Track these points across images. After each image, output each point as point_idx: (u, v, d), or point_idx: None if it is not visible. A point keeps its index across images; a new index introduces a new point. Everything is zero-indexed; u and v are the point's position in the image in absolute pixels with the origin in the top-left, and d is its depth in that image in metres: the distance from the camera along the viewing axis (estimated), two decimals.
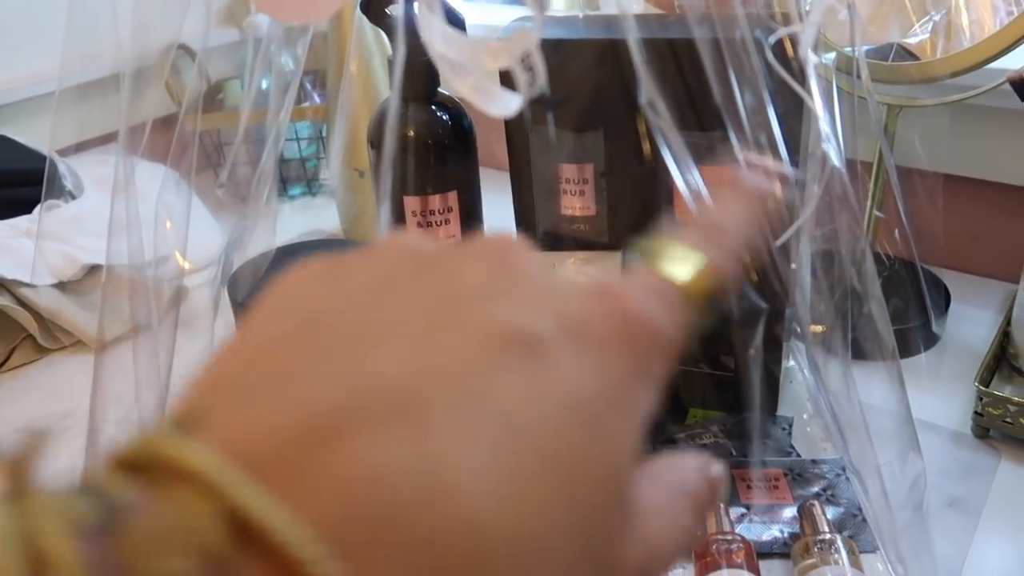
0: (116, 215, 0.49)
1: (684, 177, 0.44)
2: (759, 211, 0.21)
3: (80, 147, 0.94)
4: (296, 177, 1.02)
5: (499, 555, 0.13)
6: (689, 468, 0.20)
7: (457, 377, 0.15)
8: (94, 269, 0.79)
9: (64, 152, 0.96)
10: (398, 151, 0.55)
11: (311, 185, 1.01)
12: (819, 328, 0.37)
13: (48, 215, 0.84)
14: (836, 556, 0.43)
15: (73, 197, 0.89)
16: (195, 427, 0.14)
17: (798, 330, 0.52)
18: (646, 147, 0.48)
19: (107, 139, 0.54)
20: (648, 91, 0.33)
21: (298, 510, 0.12)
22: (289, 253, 0.62)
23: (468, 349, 0.15)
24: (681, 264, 0.19)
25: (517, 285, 0.17)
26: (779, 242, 0.35)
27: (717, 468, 0.20)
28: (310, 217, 0.95)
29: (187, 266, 0.56)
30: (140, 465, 0.13)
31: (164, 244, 0.49)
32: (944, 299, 0.69)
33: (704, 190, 0.36)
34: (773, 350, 0.48)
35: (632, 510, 0.17)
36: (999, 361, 0.61)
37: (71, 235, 0.84)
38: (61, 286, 0.79)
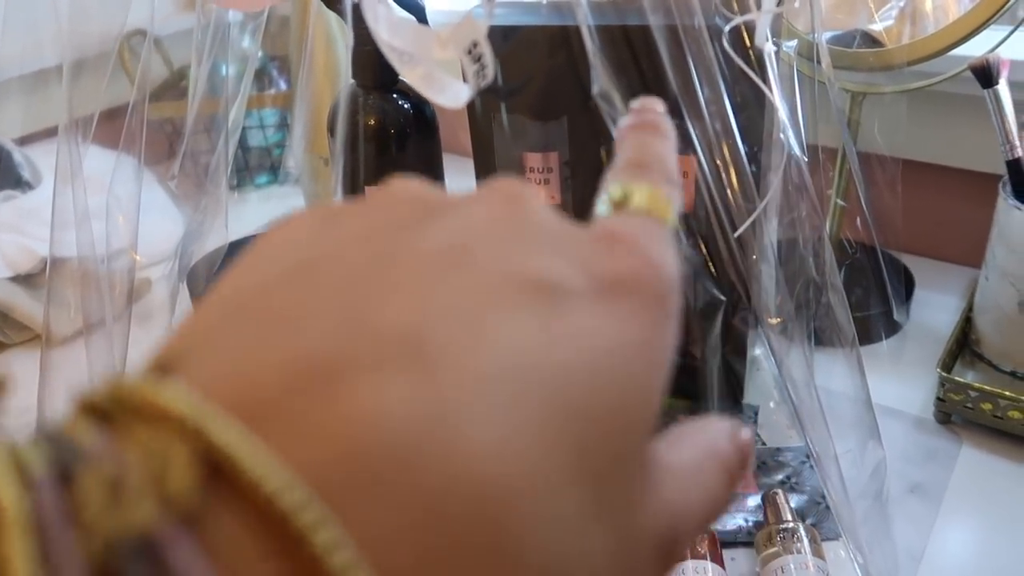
0: (63, 206, 0.47)
1: None
2: (669, 139, 0.21)
3: (36, 137, 0.92)
4: (262, 166, 1.00)
5: (506, 511, 0.12)
6: (718, 431, 0.18)
7: (468, 319, 0.13)
8: (61, 261, 0.77)
9: (18, 142, 0.93)
10: (359, 140, 0.53)
11: (277, 174, 1.00)
12: (775, 320, 0.37)
13: (3, 206, 0.82)
14: (798, 545, 0.44)
15: (31, 187, 0.87)
16: (172, 370, 0.12)
17: (749, 320, 0.52)
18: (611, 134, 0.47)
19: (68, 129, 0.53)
20: (602, 81, 0.32)
21: (283, 453, 0.11)
22: (244, 246, 0.61)
23: (482, 290, 0.14)
24: (654, 201, 0.18)
25: (531, 230, 0.16)
26: (737, 232, 0.34)
27: (746, 432, 0.19)
28: (276, 206, 0.94)
29: (139, 259, 0.55)
30: (109, 409, 0.12)
31: (116, 237, 0.47)
32: (908, 285, 0.69)
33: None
34: (734, 340, 0.48)
35: (654, 469, 0.15)
36: (961, 347, 0.61)
37: (28, 226, 0.82)
38: (18, 279, 0.77)
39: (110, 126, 0.49)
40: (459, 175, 0.60)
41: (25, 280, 0.77)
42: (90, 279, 0.47)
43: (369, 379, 0.12)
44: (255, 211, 0.92)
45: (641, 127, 0.21)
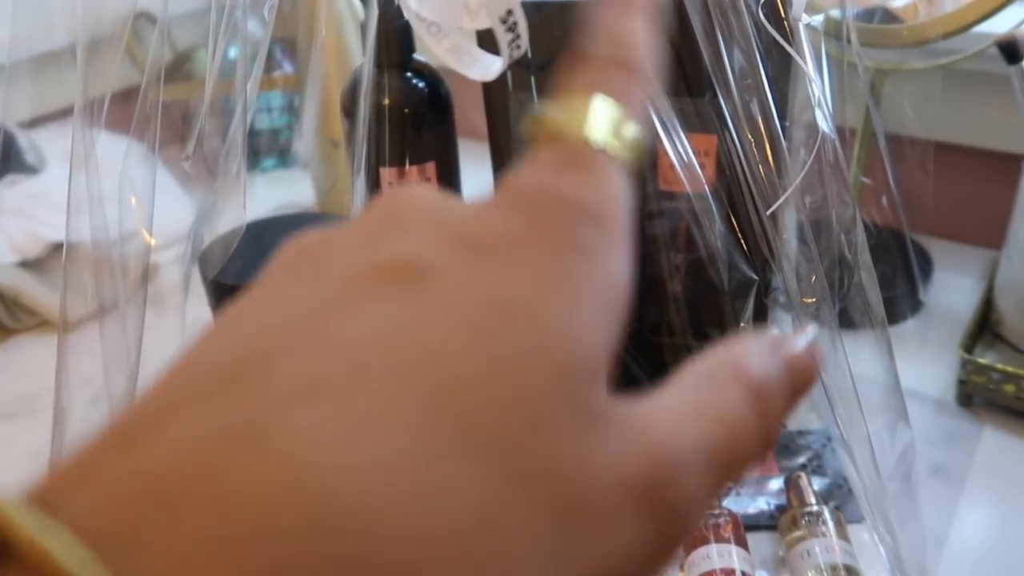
0: (76, 190, 0.46)
1: (672, 145, 0.43)
2: (646, 12, 0.18)
3: (43, 120, 0.90)
4: (269, 149, 0.99)
5: (353, 517, 0.11)
6: (745, 347, 0.16)
7: (303, 324, 0.13)
8: (59, 246, 0.77)
9: (26, 125, 0.92)
10: (373, 120, 0.53)
11: (284, 157, 0.99)
12: (810, 300, 0.36)
13: (8, 191, 0.81)
14: (823, 528, 0.43)
15: (35, 172, 0.86)
16: (59, 503, 0.11)
17: (781, 300, 0.51)
18: None
19: (71, 112, 0.52)
20: None
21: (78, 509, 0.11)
22: (260, 228, 0.60)
23: (325, 293, 0.13)
24: (589, 117, 0.15)
25: (405, 223, 0.15)
26: (770, 211, 0.34)
27: (803, 343, 0.16)
28: (284, 190, 0.92)
29: (153, 242, 0.54)
30: None
31: (129, 220, 0.46)
32: (927, 267, 0.68)
33: (694, 159, 0.35)
34: (763, 323, 0.48)
35: (611, 415, 0.13)
36: (982, 328, 0.60)
37: (34, 211, 0.81)
38: (24, 264, 0.76)
39: (116, 110, 0.48)
40: (474, 160, 0.60)
41: (32, 265, 0.77)
42: (103, 263, 0.46)
43: (184, 413, 0.12)
44: (262, 195, 0.91)
45: (609, 6, 0.18)
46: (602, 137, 0.15)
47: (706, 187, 0.40)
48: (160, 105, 0.47)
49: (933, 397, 0.58)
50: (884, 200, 0.47)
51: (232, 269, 0.54)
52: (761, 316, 0.45)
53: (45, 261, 0.78)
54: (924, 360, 0.61)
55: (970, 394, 0.56)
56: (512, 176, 0.15)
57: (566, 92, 0.16)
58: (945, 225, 0.74)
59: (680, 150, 0.42)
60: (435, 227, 0.14)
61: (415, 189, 0.16)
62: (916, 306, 0.65)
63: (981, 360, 0.54)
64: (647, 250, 0.54)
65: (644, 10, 0.18)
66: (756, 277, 0.38)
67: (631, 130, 0.16)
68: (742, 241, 0.39)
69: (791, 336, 0.16)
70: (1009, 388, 0.54)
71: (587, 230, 0.14)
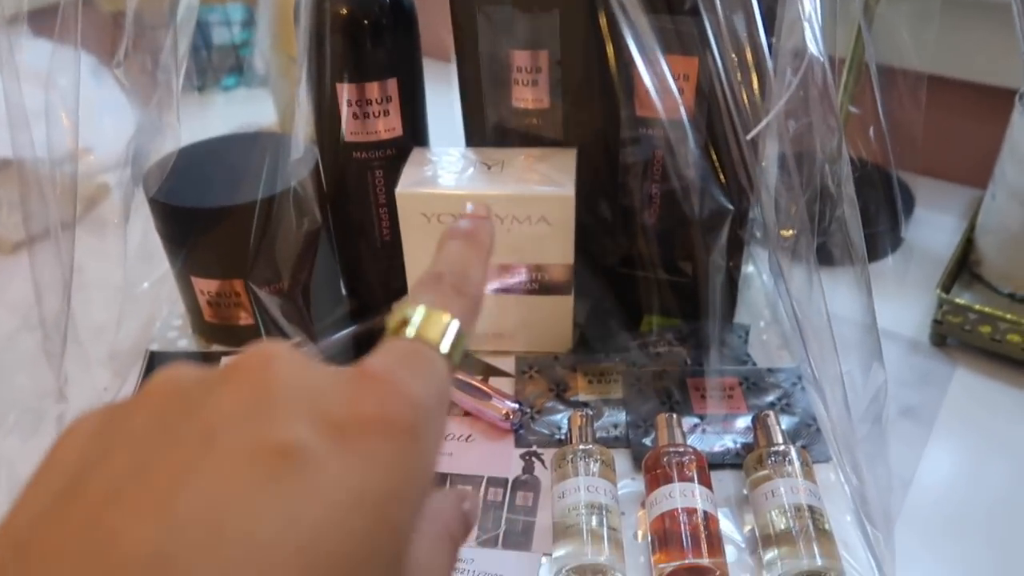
0: (11, 104, 0.43)
1: (649, 68, 0.40)
2: (484, 249, 0.24)
3: None
4: (229, 66, 0.93)
5: None
6: (448, 511, 0.22)
7: (209, 523, 0.15)
8: (4, 164, 0.72)
9: None
10: (330, 32, 0.49)
11: (246, 75, 0.94)
12: (788, 232, 0.34)
13: None
14: (789, 468, 0.42)
15: None
16: None
17: (757, 234, 0.49)
18: (604, 30, 0.43)
19: (17, 20, 0.47)
20: None
21: None
22: (206, 148, 0.57)
23: (223, 482, 0.15)
24: (429, 323, 0.21)
25: (276, 395, 0.17)
26: (750, 135, 0.31)
27: (469, 504, 0.23)
28: (245, 109, 0.88)
29: (91, 158, 0.50)
30: None
31: (60, 137, 0.43)
32: (909, 204, 0.66)
33: (672, 84, 0.32)
34: (736, 254, 0.45)
35: None
36: (961, 268, 0.59)
37: None
38: None
39: (69, 20, 0.44)
40: (441, 79, 0.56)
41: None
42: (31, 183, 0.42)
43: None
44: (222, 114, 0.87)
45: (451, 235, 0.25)
46: (443, 344, 0.21)
47: (683, 113, 0.37)
48: (90, 13, 0.42)
49: (908, 337, 0.57)
50: (871, 132, 0.44)
51: (170, 189, 0.51)
52: (736, 248, 0.43)
53: None
54: (901, 299, 0.59)
55: (944, 335, 0.55)
56: (369, 360, 0.20)
57: (421, 302, 0.22)
58: (930, 161, 0.71)
59: (658, 73, 0.39)
60: (311, 411, 0.17)
61: (280, 355, 0.18)
62: (896, 244, 0.63)
63: (958, 300, 0.53)
64: (621, 180, 0.52)
65: (481, 247, 0.25)
66: (731, 207, 0.35)
67: (460, 342, 0.21)
68: (718, 169, 0.36)
69: (463, 494, 0.24)
70: (985, 329, 0.52)
71: (418, 417, 0.18)
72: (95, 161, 0.75)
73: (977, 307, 0.52)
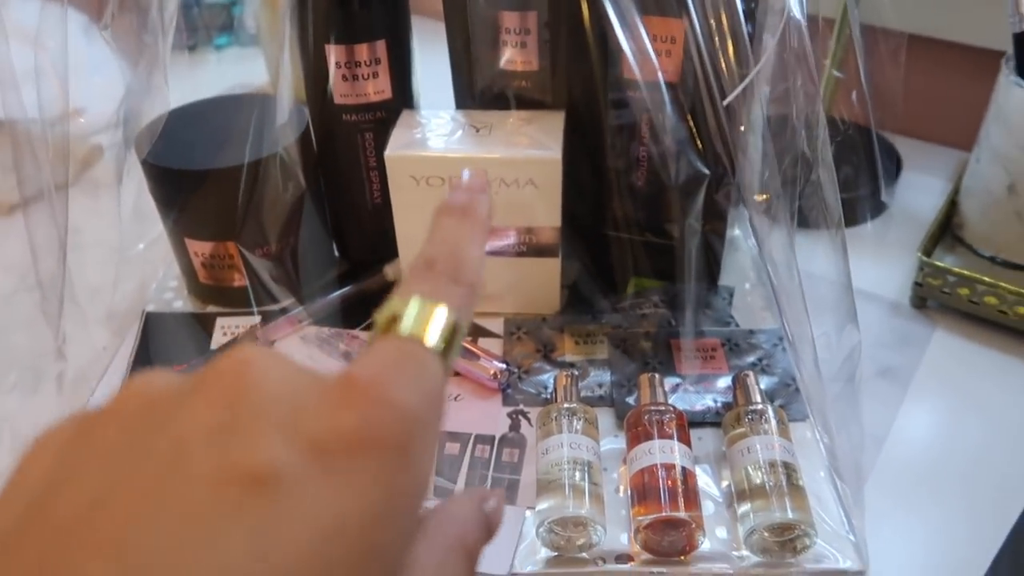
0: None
1: (626, 30, 0.40)
2: (480, 225, 0.23)
3: None
4: (221, 25, 0.93)
5: None
6: (464, 516, 0.21)
7: (171, 561, 0.14)
8: None
9: None
10: None
11: (237, 33, 0.93)
12: (763, 196, 0.35)
13: None
14: (765, 426, 0.43)
15: None
16: None
17: (734, 196, 0.50)
18: None
19: None
20: None
21: None
22: (189, 112, 0.57)
23: (191, 512, 0.14)
24: (422, 319, 0.19)
25: (252, 412, 0.16)
26: (727, 100, 0.32)
27: (493, 503, 0.21)
28: (235, 69, 0.88)
29: (81, 121, 0.51)
30: None
31: (51, 97, 0.43)
32: (895, 166, 0.67)
33: (650, 46, 0.32)
34: (716, 218, 0.46)
35: None
36: (944, 231, 0.60)
37: None
38: None
39: None
40: (430, 41, 0.56)
41: None
42: (23, 144, 0.43)
43: None
44: (214, 73, 0.86)
45: (445, 211, 0.23)
46: (436, 342, 0.19)
47: (660, 76, 0.37)
48: None
49: (889, 299, 0.58)
50: (854, 96, 0.45)
51: (161, 151, 0.51)
52: (712, 213, 0.44)
53: None
54: (884, 261, 0.60)
55: (924, 297, 0.56)
56: (355, 366, 0.18)
57: (412, 295, 0.20)
58: (917, 124, 0.72)
59: (635, 36, 0.40)
60: (288, 427, 0.16)
61: (257, 362, 0.17)
62: (879, 207, 0.64)
63: (937, 263, 0.54)
64: (609, 142, 0.52)
65: (478, 224, 0.22)
66: (707, 172, 0.36)
67: (456, 336, 0.20)
68: (695, 133, 0.37)
69: (485, 493, 0.22)
70: (963, 291, 0.53)
71: (408, 429, 0.17)
72: (87, 122, 0.75)
73: (956, 269, 0.53)
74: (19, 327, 0.47)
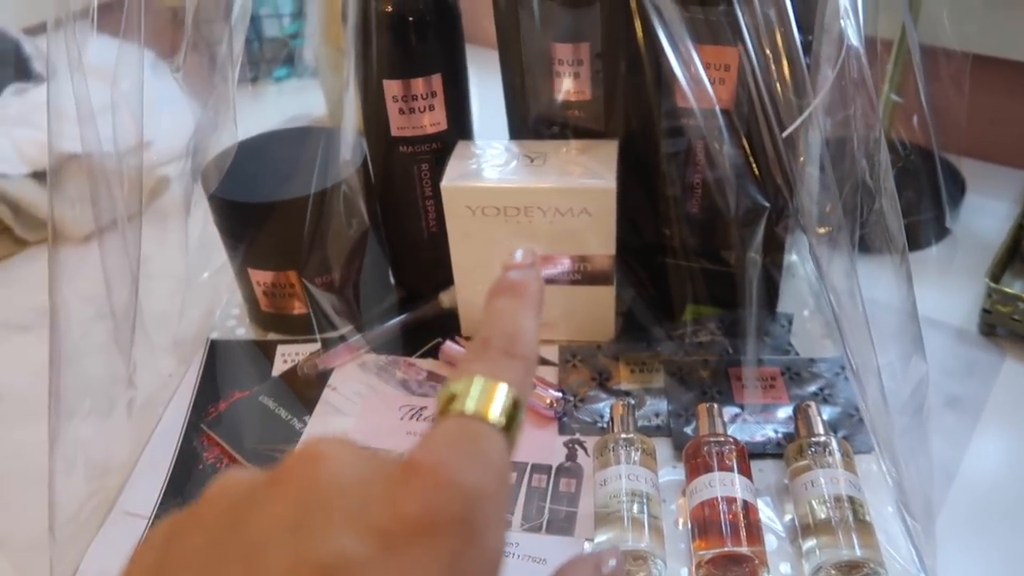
0: (78, 100, 0.45)
1: (680, 58, 0.40)
2: (533, 301, 0.23)
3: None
4: (279, 58, 0.96)
5: None
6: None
7: None
8: (70, 157, 0.76)
9: (33, 31, 0.90)
10: (375, 29, 0.50)
11: (297, 66, 0.96)
12: (825, 229, 0.34)
13: (15, 99, 0.80)
14: (829, 459, 0.42)
15: (43, 80, 0.85)
16: None
17: (800, 225, 0.49)
18: (638, 25, 0.43)
19: (82, 18, 0.50)
20: None
21: None
22: (259, 143, 0.59)
23: None
24: (482, 397, 0.20)
25: (321, 507, 0.17)
26: (786, 133, 0.31)
27: (611, 565, 0.22)
28: (296, 101, 0.90)
29: (152, 155, 0.52)
30: None
31: (124, 132, 0.45)
32: (959, 189, 0.65)
33: (703, 74, 0.32)
34: (775, 249, 0.46)
35: None
36: (1012, 255, 0.58)
37: (43, 120, 0.80)
38: (37, 175, 0.76)
39: (115, 16, 0.46)
40: (484, 69, 0.57)
41: (42, 177, 0.76)
42: (98, 176, 0.45)
43: None
44: (273, 106, 0.89)
45: (498, 291, 0.23)
46: (497, 417, 0.20)
47: (716, 104, 0.37)
48: (152, 11, 0.45)
49: (955, 326, 0.56)
50: (915, 120, 0.44)
51: (227, 185, 0.53)
52: (772, 244, 0.43)
53: (55, 173, 0.77)
54: (949, 288, 0.58)
55: (993, 324, 0.54)
56: (418, 449, 0.19)
57: (470, 374, 0.20)
58: (980, 145, 0.70)
59: (689, 64, 0.40)
60: (355, 518, 0.17)
61: (325, 456, 0.18)
62: (942, 231, 0.62)
63: (1006, 289, 0.52)
64: (663, 170, 0.52)
65: (530, 300, 0.23)
66: (767, 204, 0.35)
67: (517, 411, 0.20)
68: (753, 164, 0.37)
69: (607, 554, 0.22)
70: None
71: (472, 508, 0.18)
72: (155, 154, 0.78)
73: None
74: (93, 355, 0.49)
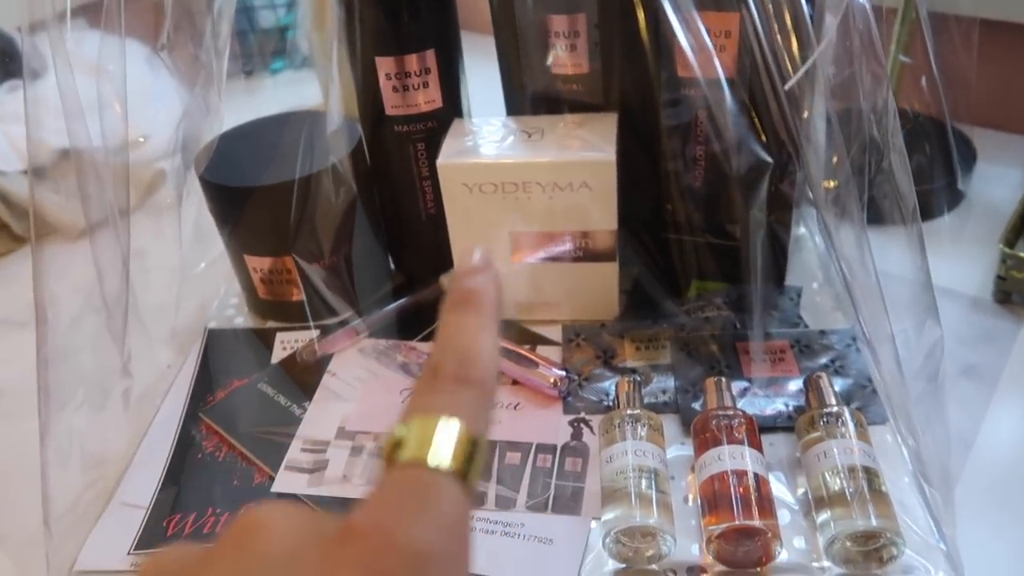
0: (65, 95, 0.44)
1: (684, 26, 0.39)
2: (488, 312, 0.20)
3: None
4: (276, 49, 0.95)
5: None
6: None
7: None
8: (66, 153, 0.75)
9: (29, 29, 0.89)
10: (367, 6, 0.49)
11: (291, 56, 0.95)
12: (831, 183, 0.33)
13: (9, 96, 0.79)
14: (842, 429, 0.41)
15: (38, 76, 0.84)
16: None
17: (810, 194, 0.48)
18: None
19: (74, 14, 0.49)
20: None
21: None
22: (244, 132, 0.58)
23: None
24: (427, 439, 0.18)
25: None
26: (788, 85, 0.30)
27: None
28: (291, 92, 0.89)
29: (141, 141, 0.52)
30: None
31: (112, 126, 0.44)
32: (971, 157, 0.64)
33: (708, 41, 0.31)
34: (780, 210, 0.44)
35: None
36: None
37: (39, 117, 0.79)
38: (34, 172, 0.75)
39: (118, 10, 0.45)
40: (480, 54, 0.56)
41: (41, 173, 0.75)
42: (88, 171, 0.44)
43: None
44: (270, 97, 0.88)
45: (450, 304, 0.21)
46: (448, 462, 0.17)
47: (720, 71, 0.36)
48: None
49: (969, 295, 0.55)
50: (924, 82, 0.43)
51: (215, 168, 0.52)
52: (777, 203, 0.42)
53: (52, 169, 0.76)
54: (962, 256, 0.57)
55: (1009, 291, 0.53)
56: (357, 511, 0.17)
57: (415, 413, 0.18)
58: (991, 112, 0.68)
59: (693, 31, 0.39)
60: None
61: (262, 526, 0.17)
62: (955, 199, 0.61)
63: (1021, 254, 0.51)
64: (665, 142, 0.51)
65: (485, 311, 0.20)
66: (770, 160, 0.34)
67: (472, 447, 0.18)
68: (757, 122, 0.35)
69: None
70: None
71: (420, 569, 0.16)
72: (151, 148, 0.77)
73: None
74: (86, 347, 0.48)
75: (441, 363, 0.19)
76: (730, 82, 0.41)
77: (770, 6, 0.34)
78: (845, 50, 0.35)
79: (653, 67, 0.48)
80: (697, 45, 0.38)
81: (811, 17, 0.33)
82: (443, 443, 0.18)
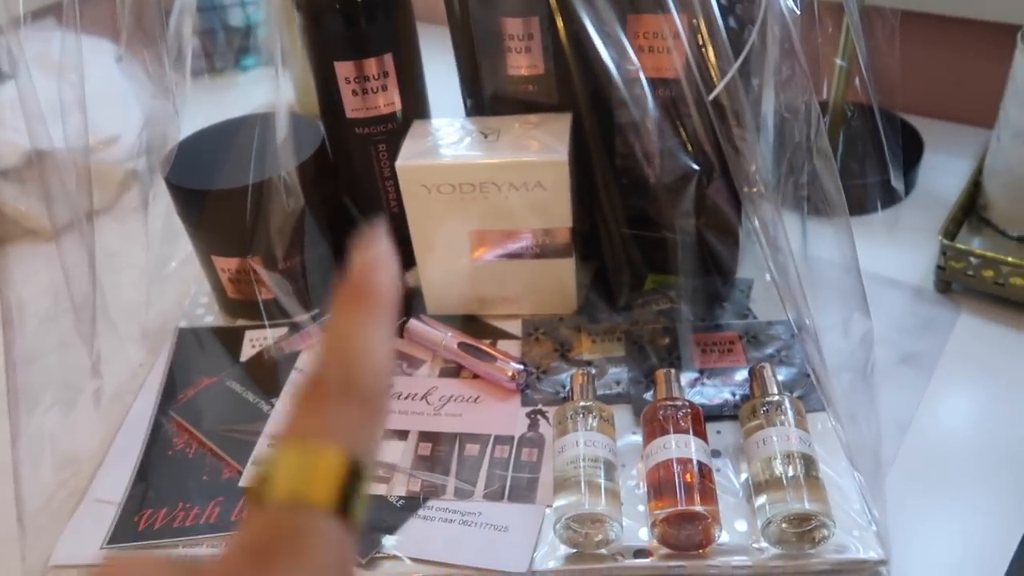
0: (26, 98, 0.45)
1: (600, 30, 0.40)
2: (378, 310, 0.18)
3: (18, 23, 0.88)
4: (246, 47, 0.96)
5: None
6: None
7: None
8: (41, 155, 0.76)
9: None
10: (323, 10, 0.50)
11: (263, 54, 0.96)
12: (754, 189, 0.35)
13: None
14: (782, 417, 0.43)
15: (9, 78, 0.84)
16: None
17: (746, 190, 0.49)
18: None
19: (42, 14, 0.50)
20: None
21: None
22: (211, 134, 0.59)
23: None
24: (305, 473, 0.15)
25: None
26: (711, 96, 0.32)
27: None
28: (263, 90, 0.90)
29: (96, 144, 0.53)
30: None
31: (73, 128, 0.45)
32: (917, 148, 0.66)
33: (628, 45, 0.33)
34: (709, 213, 0.46)
35: None
36: (967, 213, 0.58)
37: (9, 118, 0.80)
38: (4, 173, 0.76)
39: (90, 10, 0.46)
40: (440, 49, 0.57)
41: (11, 175, 0.76)
42: (51, 173, 0.45)
43: None
44: (240, 95, 0.89)
45: (336, 304, 0.18)
46: (323, 498, 0.15)
47: (641, 73, 0.38)
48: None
49: (913, 284, 0.57)
50: (857, 81, 0.44)
51: (180, 171, 0.54)
52: (702, 208, 0.43)
53: (24, 170, 0.77)
54: (905, 246, 0.59)
55: (948, 281, 0.55)
56: (217, 559, 0.15)
57: (288, 440, 0.16)
58: (939, 104, 0.70)
59: (611, 35, 0.40)
60: None
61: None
62: (891, 194, 0.63)
63: (959, 245, 0.53)
64: (617, 140, 0.52)
65: (375, 310, 0.17)
66: (695, 167, 0.36)
67: (354, 478, 0.15)
68: (681, 129, 0.37)
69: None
70: (988, 273, 0.52)
71: None
72: (122, 148, 0.78)
73: (978, 251, 0.52)
74: (55, 349, 0.49)
75: (324, 375, 0.17)
76: (657, 83, 0.42)
77: (694, 19, 0.35)
78: (774, 56, 0.36)
79: (600, 69, 0.49)
80: (616, 49, 0.39)
81: (734, 30, 0.34)
82: (318, 478, 0.15)
